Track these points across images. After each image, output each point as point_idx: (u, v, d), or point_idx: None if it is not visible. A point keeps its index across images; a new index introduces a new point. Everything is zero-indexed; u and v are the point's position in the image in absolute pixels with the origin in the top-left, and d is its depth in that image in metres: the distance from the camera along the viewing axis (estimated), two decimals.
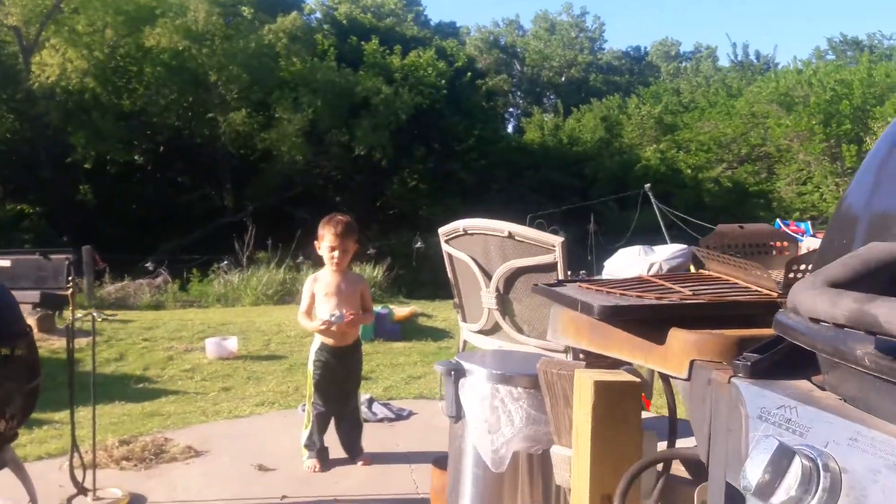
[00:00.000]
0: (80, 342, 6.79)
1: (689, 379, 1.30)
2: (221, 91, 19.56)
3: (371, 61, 20.48)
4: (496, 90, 23.84)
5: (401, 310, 9.60)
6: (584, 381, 1.75)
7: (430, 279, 17.30)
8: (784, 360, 1.09)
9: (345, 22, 23.48)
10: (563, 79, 28.65)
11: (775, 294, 1.43)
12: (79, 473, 3.35)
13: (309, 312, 3.83)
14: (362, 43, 21.03)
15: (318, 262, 15.48)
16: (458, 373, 2.49)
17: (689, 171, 21.28)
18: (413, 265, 15.66)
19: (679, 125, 22.97)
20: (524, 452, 2.33)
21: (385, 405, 4.81)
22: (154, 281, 13.19)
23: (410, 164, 20.31)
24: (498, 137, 22.72)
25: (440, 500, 2.78)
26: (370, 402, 4.83)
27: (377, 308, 8.82)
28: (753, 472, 0.84)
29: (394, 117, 18.97)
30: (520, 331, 3.49)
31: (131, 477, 3.65)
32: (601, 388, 1.72)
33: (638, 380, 1.80)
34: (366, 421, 4.59)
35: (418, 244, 15.57)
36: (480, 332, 3.71)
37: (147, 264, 13.59)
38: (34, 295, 7.60)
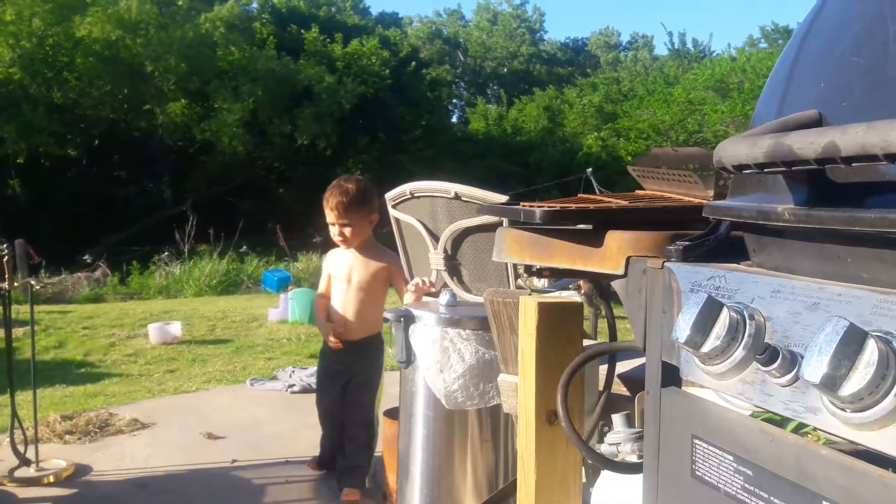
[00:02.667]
0: (17, 332, 6.60)
1: (625, 275, 1.37)
2: (158, 82, 19.02)
3: (312, 49, 20.22)
4: (440, 80, 23.86)
5: None
6: (529, 305, 1.82)
7: None
8: (714, 250, 1.16)
9: (284, 10, 23.11)
10: (505, 70, 28.89)
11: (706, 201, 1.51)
12: (21, 448, 3.27)
13: (327, 294, 3.19)
14: (302, 31, 20.75)
15: (266, 251, 15.16)
16: (407, 319, 2.54)
17: (629, 157, 21.75)
18: None
19: (619, 114, 23.45)
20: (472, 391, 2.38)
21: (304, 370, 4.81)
22: (93, 274, 12.84)
23: (355, 154, 20.17)
24: (444, 127, 22.77)
25: (392, 449, 2.82)
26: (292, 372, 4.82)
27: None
28: (684, 325, 0.90)
29: (337, 106, 18.77)
30: (468, 290, 3.55)
31: (76, 450, 3.58)
32: (544, 309, 1.79)
33: (579, 300, 1.88)
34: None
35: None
36: (428, 294, 3.75)
37: (85, 257, 13.17)
38: None
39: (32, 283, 3.36)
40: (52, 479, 3.20)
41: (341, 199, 3.12)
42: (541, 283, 4.04)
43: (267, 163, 20.82)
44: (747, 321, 0.88)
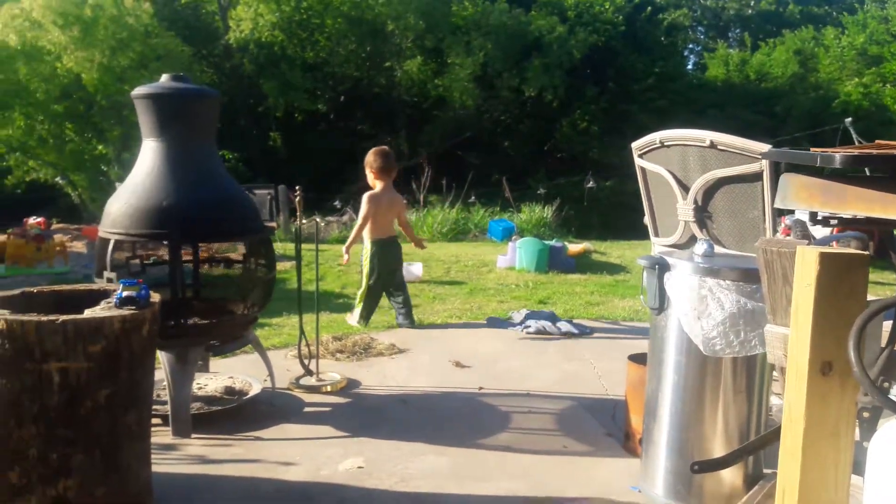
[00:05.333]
0: (285, 265, 7.58)
1: None
2: (397, 40, 20.17)
3: (544, 0, 20.14)
4: (676, 25, 22.44)
5: (574, 245, 9.64)
6: (808, 255, 1.76)
7: (600, 221, 17.07)
8: None
9: None
10: (750, 10, 26.44)
11: None
12: (306, 362, 3.82)
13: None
14: None
15: (491, 202, 15.60)
16: (661, 267, 2.55)
17: None
18: (584, 205, 15.49)
19: (886, 57, 20.54)
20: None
21: (568, 321, 4.95)
22: (341, 218, 14.18)
23: (582, 105, 19.86)
24: (678, 75, 21.54)
25: (637, 392, 2.89)
26: (553, 317, 4.99)
27: (552, 242, 8.93)
28: None
29: (567, 57, 18.57)
30: (719, 243, 3.45)
31: (345, 366, 4.10)
32: (827, 259, 1.73)
33: (867, 253, 1.78)
34: (549, 335, 4.78)
35: (590, 184, 15.33)
36: (675, 245, 3.71)
37: (335, 203, 14.58)
38: None
39: (318, 220, 3.86)
40: (329, 388, 3.71)
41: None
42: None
43: (494, 116, 21.27)
44: None
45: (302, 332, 3.79)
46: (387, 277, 5.05)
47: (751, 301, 2.31)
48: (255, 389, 3.49)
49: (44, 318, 2.15)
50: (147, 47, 16.02)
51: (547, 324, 4.78)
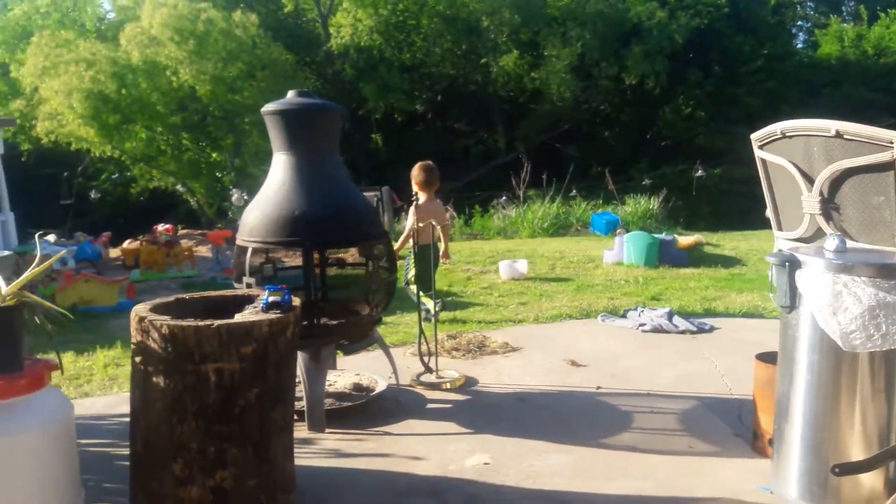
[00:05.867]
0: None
1: None
2: (492, 35, 20.22)
3: None
4: (784, 2, 21.36)
5: (684, 238, 9.40)
6: None
7: (709, 211, 16.49)
8: None
9: None
10: None
11: None
12: (425, 360, 3.96)
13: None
14: None
15: (592, 194, 15.41)
16: (792, 264, 2.49)
17: None
18: (693, 195, 15.02)
19: None
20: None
21: (685, 318, 4.87)
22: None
23: (686, 91, 19.25)
24: (788, 55, 20.48)
25: (765, 392, 2.83)
26: (670, 314, 4.91)
27: (661, 235, 8.74)
28: None
29: (668, 42, 18.04)
30: (847, 235, 3.31)
31: (461, 364, 4.21)
32: None
33: None
34: (666, 332, 4.71)
35: (699, 172, 14.84)
36: (799, 239, 3.58)
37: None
38: None
39: (433, 223, 3.99)
40: (448, 386, 3.83)
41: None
42: None
43: (592, 106, 20.95)
44: None
45: (422, 331, 3.93)
46: (422, 275, 5.21)
47: (890, 294, 2.23)
48: (380, 386, 3.65)
49: (201, 323, 2.35)
50: (254, 57, 16.81)
51: (664, 321, 4.72)
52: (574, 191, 14.91)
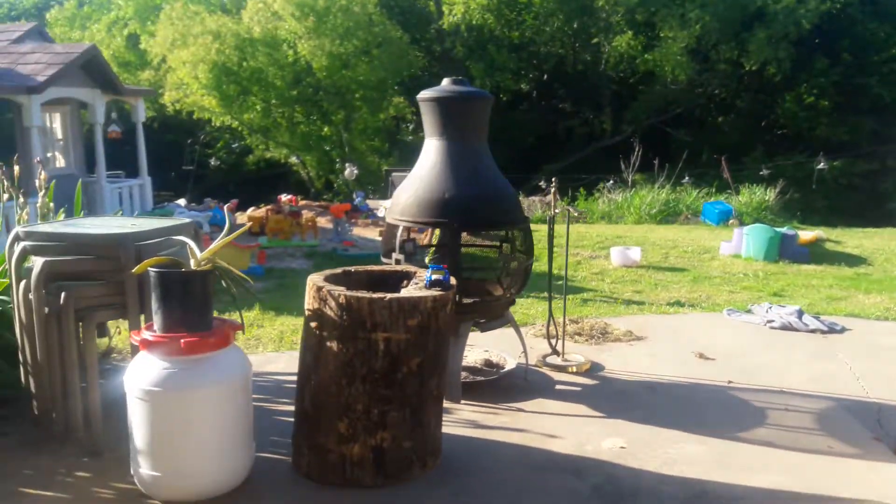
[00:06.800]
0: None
1: None
2: (606, 15, 19.81)
3: None
4: None
5: (805, 233, 9.05)
6: None
7: (825, 205, 15.69)
8: None
9: None
10: None
11: None
12: (552, 342, 4.07)
13: None
14: None
15: (702, 182, 14.95)
16: None
17: None
18: (812, 188, 14.33)
19: None
20: None
21: (815, 318, 4.76)
22: (545, 198, 14.37)
23: (810, 79, 18.27)
24: None
25: None
26: (800, 313, 4.81)
27: (783, 229, 8.46)
28: None
29: (794, 27, 17.15)
30: None
31: (584, 348, 4.30)
32: None
33: None
34: (795, 331, 4.63)
35: (821, 165, 14.13)
36: None
37: (540, 183, 14.80)
38: None
39: (570, 209, 4.08)
40: (574, 369, 3.93)
41: None
42: None
43: (707, 91, 20.23)
44: None
45: (551, 314, 4.05)
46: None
47: None
48: (510, 364, 3.79)
49: (375, 296, 2.55)
50: (370, 34, 17.17)
51: (793, 319, 4.63)
52: (686, 177, 14.52)
